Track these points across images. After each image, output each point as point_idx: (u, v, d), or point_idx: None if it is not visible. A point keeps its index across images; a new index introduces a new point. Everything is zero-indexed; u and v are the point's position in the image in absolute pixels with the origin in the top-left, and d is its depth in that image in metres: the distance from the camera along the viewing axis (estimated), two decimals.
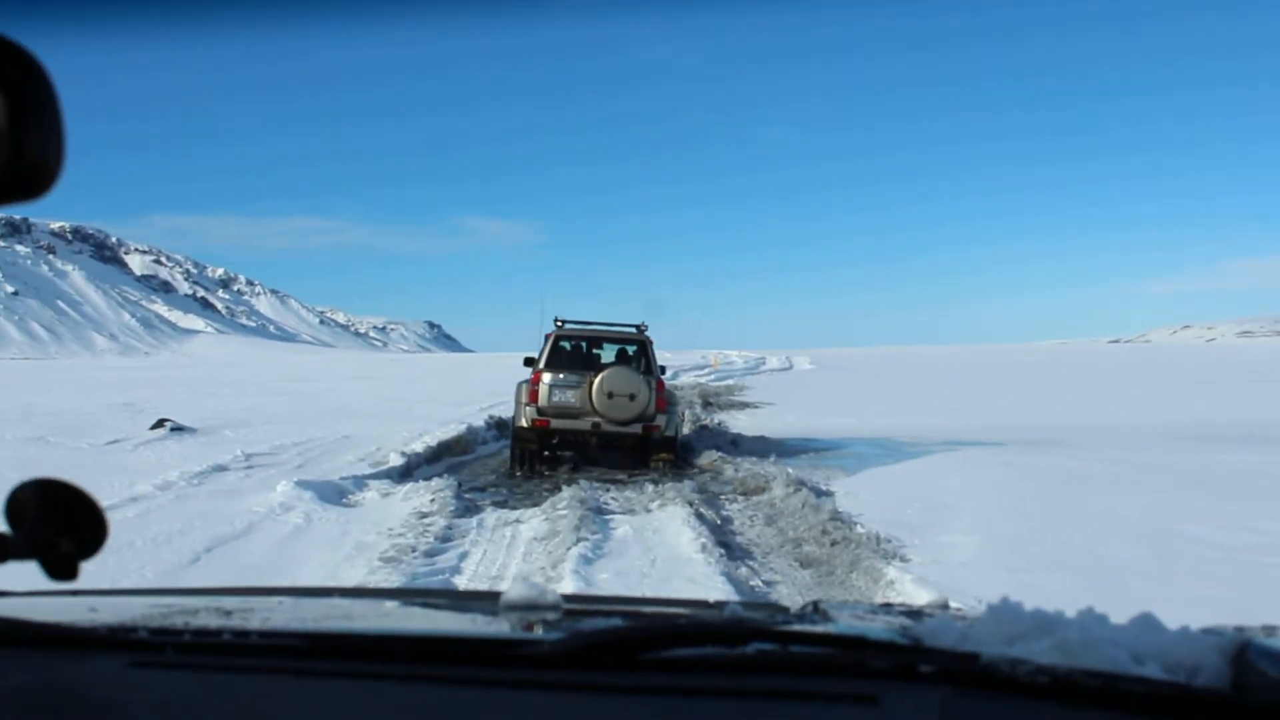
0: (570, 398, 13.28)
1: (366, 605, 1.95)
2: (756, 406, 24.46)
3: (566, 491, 9.95)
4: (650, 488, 10.61)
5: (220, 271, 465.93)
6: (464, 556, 7.37)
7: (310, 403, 23.52)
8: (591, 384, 13.22)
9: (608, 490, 10.79)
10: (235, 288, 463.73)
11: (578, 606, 1.69)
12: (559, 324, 14.29)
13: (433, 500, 9.36)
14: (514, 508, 9.78)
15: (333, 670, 1.31)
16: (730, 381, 37.12)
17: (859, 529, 7.99)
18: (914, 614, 1.61)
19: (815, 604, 1.66)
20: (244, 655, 1.38)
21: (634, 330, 14.42)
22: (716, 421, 18.82)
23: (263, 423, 17.84)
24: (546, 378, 13.40)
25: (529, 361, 13.98)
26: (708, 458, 13.54)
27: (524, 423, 13.33)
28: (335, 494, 9.92)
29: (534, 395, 13.39)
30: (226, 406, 21.83)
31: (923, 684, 1.21)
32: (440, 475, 11.77)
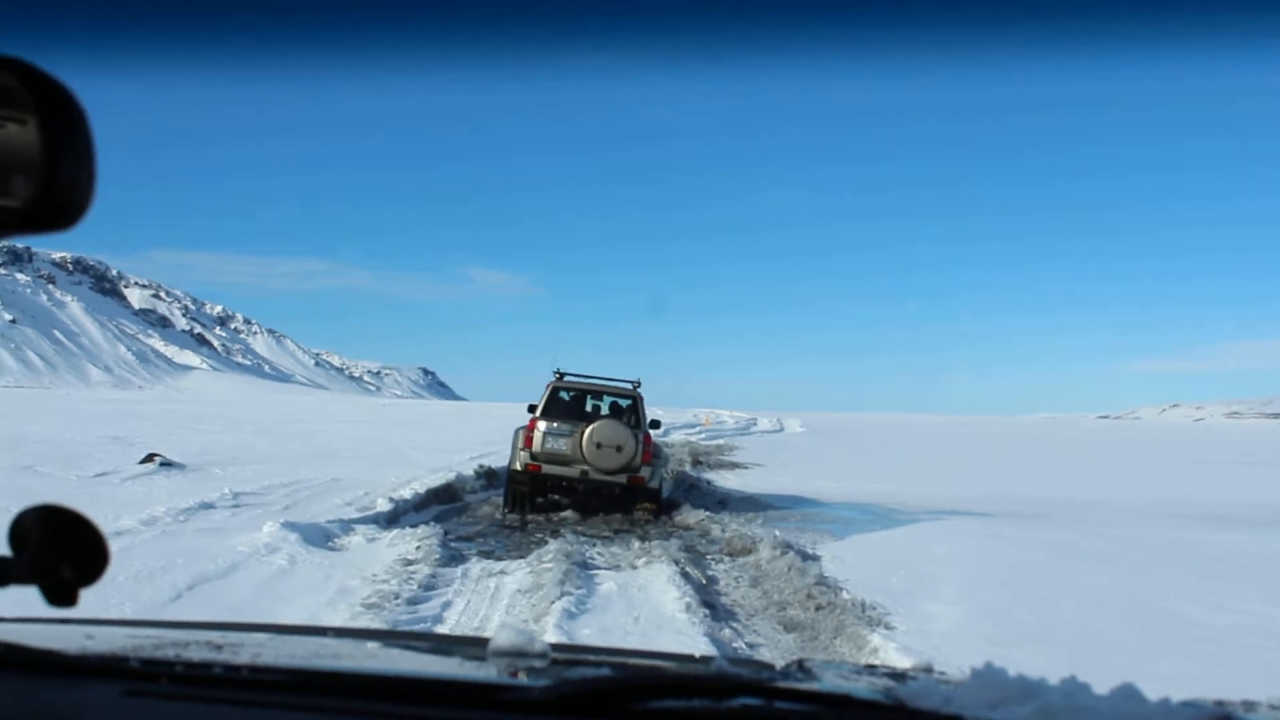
0: (562, 445, 13.87)
1: (354, 645, 1.96)
2: (746, 467, 24.37)
3: (553, 545, 9.89)
4: (637, 544, 10.55)
5: (219, 309, 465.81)
6: (447, 605, 7.30)
7: (301, 444, 23.50)
8: (583, 434, 13.78)
9: (594, 545, 10.73)
10: (233, 326, 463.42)
11: (565, 655, 1.69)
12: (558, 375, 14.83)
13: (418, 547, 9.29)
14: (499, 558, 9.70)
15: (320, 707, 1.32)
16: (721, 441, 37.07)
17: (844, 594, 7.93)
18: (898, 676, 1.62)
19: (800, 662, 1.67)
20: (235, 689, 1.39)
21: (629, 386, 14.97)
22: (706, 480, 18.71)
23: (252, 462, 17.79)
24: (542, 425, 14.02)
25: (532, 409, 14.47)
26: (695, 516, 13.49)
27: (518, 466, 13.95)
28: (321, 537, 9.84)
29: (529, 441, 13.99)
30: (217, 444, 21.79)
31: None
32: (427, 523, 11.70)
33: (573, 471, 13.95)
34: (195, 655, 1.53)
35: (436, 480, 15.54)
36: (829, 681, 1.58)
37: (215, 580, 7.54)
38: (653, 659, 2.00)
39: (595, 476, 13.89)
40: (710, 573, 9.39)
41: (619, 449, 13.81)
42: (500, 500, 14.74)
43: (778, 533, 11.01)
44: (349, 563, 8.73)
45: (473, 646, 1.81)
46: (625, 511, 13.88)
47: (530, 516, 13.37)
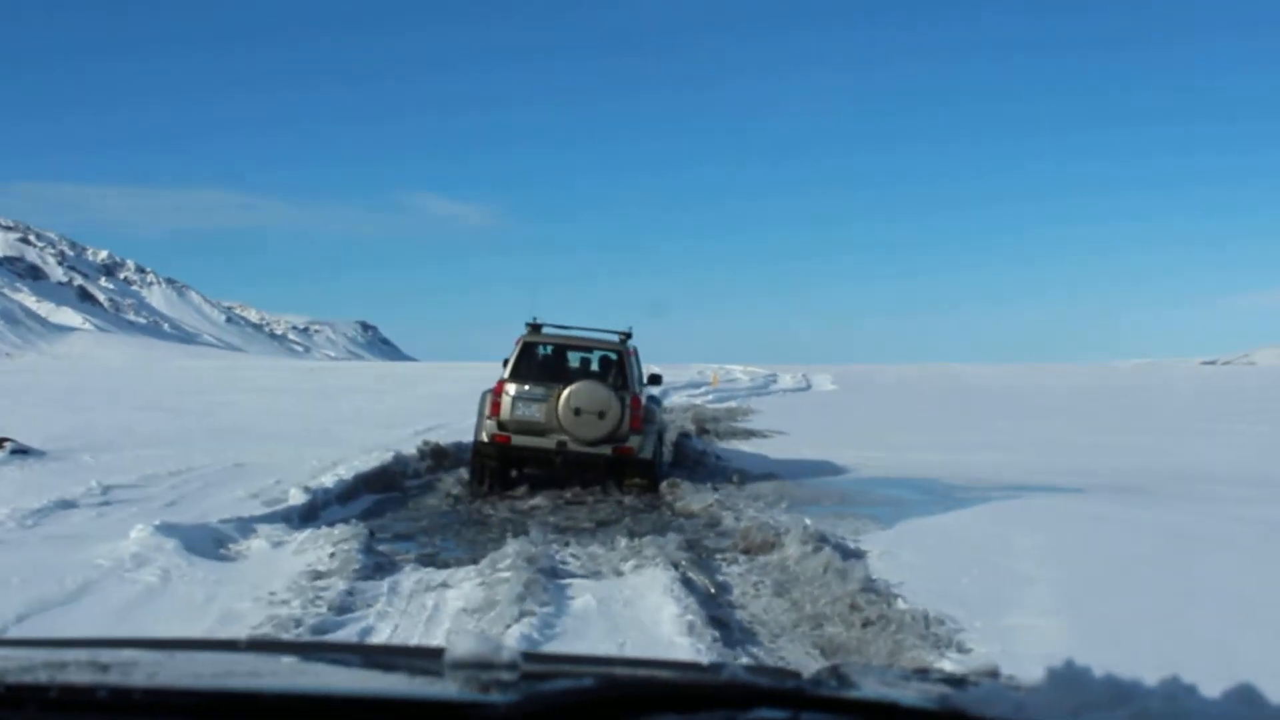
0: (535, 412, 14.46)
1: (276, 660, 2.02)
2: (765, 435, 24.11)
3: (514, 544, 9.46)
4: (624, 541, 10.14)
5: (103, 255, 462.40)
6: (366, 634, 6.82)
7: (201, 420, 23.11)
8: (559, 398, 14.33)
9: (567, 545, 10.33)
10: (122, 275, 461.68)
11: (539, 667, 1.75)
12: (531, 327, 15.31)
13: (333, 554, 8.91)
14: (442, 565, 9.34)
15: None
16: (732, 403, 36.83)
17: (900, 604, 7.58)
18: (955, 681, 1.67)
19: (835, 668, 1.75)
20: (126, 715, 1.44)
21: (615, 338, 15.49)
22: (714, 454, 18.36)
23: (135, 445, 17.37)
24: (511, 388, 14.60)
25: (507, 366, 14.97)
26: (700, 501, 13.26)
27: (484, 437, 14.60)
28: (209, 542, 9.49)
29: (495, 408, 14.61)
30: (93, 423, 21.32)
31: None
32: (352, 519, 11.39)
33: (548, 443, 14.42)
34: (76, 677, 1.58)
35: (369, 463, 15.28)
36: (870, 689, 1.63)
37: (57, 607, 7.11)
38: (647, 668, 2.08)
39: (575, 448, 14.36)
40: (721, 578, 9.06)
41: (601, 415, 14.26)
42: (451, 487, 14.60)
43: (808, 521, 10.70)
44: (241, 577, 8.38)
45: (425, 658, 1.89)
46: (615, 488, 14.52)
47: (487, 510, 13.11)
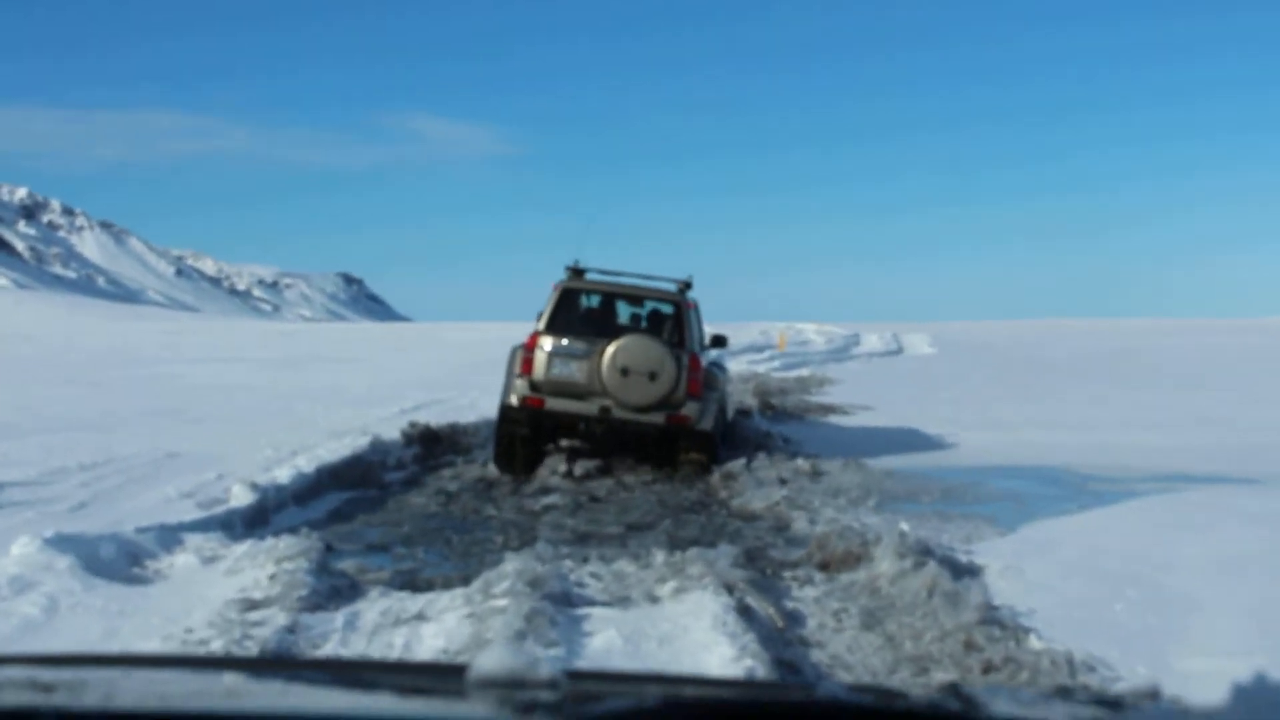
0: (575, 371, 14.92)
1: (266, 682, 2.11)
2: (846, 412, 23.72)
3: (514, 561, 8.98)
4: (661, 555, 9.63)
5: (21, 194, 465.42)
6: None
7: (132, 398, 22.90)
8: (603, 355, 14.75)
9: (585, 560, 9.86)
10: (45, 219, 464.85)
11: (586, 686, 1.85)
12: (572, 271, 15.84)
13: (273, 576, 8.53)
14: (421, 588, 8.98)
15: None
16: (804, 371, 36.48)
17: (1032, 642, 7.14)
18: (1110, 703, 1.79)
19: (954, 686, 1.87)
20: None
21: (671, 287, 16.09)
22: (781, 436, 17.92)
23: (42, 430, 17.11)
24: (546, 343, 15.05)
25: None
26: (764, 498, 13.00)
27: (513, 400, 15.06)
28: (119, 559, 9.15)
29: (527, 365, 15.06)
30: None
31: None
32: (306, 526, 11.04)
33: (589, 408, 14.90)
34: (13, 699, 1.69)
35: (339, 450, 15.11)
36: (1001, 711, 1.69)
37: None
38: (720, 687, 2.20)
39: (621, 415, 14.83)
40: (791, 604, 8.68)
41: (653, 377, 14.65)
42: (446, 481, 14.50)
43: (905, 526, 10.23)
44: (153, 606, 8.02)
45: (445, 677, 2.08)
46: (669, 463, 15.19)
47: (488, 510, 12.84)
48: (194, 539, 9.98)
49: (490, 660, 1.66)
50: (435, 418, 18.24)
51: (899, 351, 51.43)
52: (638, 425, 14.94)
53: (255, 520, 11.57)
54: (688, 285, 16.07)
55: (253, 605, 7.89)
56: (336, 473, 14.06)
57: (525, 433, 15.06)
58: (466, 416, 18.92)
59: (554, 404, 14.91)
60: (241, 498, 11.82)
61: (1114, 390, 30.65)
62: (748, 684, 2.41)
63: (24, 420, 18.14)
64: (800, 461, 15.55)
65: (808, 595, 8.98)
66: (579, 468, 14.99)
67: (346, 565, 9.46)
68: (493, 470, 15.16)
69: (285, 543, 9.40)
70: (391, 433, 16.60)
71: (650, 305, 16.37)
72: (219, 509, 11.38)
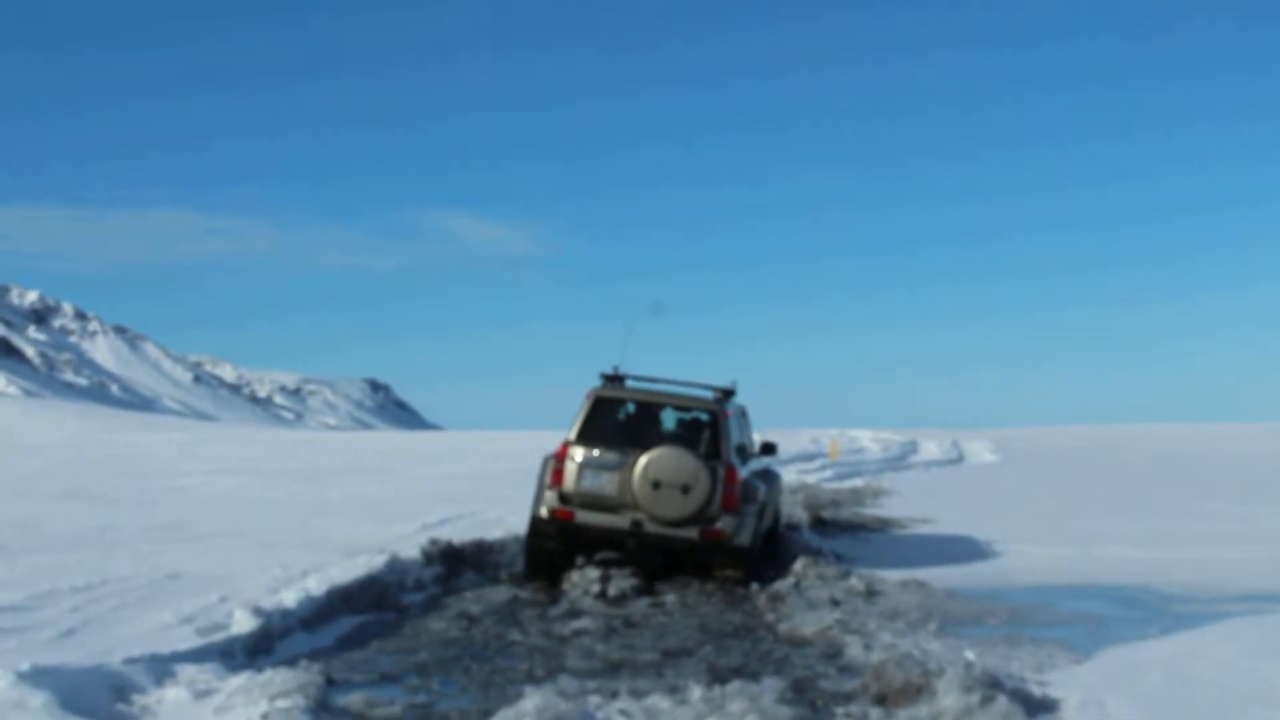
0: (606, 483, 15.29)
1: None
2: (903, 526, 23.25)
3: (533, 698, 8.68)
4: (698, 690, 9.26)
5: (32, 298, 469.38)
6: None
7: (136, 513, 22.64)
8: (634, 467, 15.09)
9: (614, 697, 9.51)
10: (56, 324, 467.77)
11: None
12: (607, 377, 16.32)
13: (265, 716, 8.28)
14: None
15: None
16: (858, 481, 35.91)
17: None
18: None
19: None
20: None
21: (708, 395, 16.38)
22: (833, 553, 17.54)
23: (36, 549, 16.88)
24: (577, 454, 15.45)
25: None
26: (814, 621, 12.73)
27: (543, 512, 15.47)
28: (103, 693, 8.98)
29: (558, 476, 15.48)
30: None
31: None
32: (313, 654, 10.91)
33: (621, 521, 15.24)
34: None
35: (353, 571, 14.72)
36: None
37: None
38: None
39: (653, 529, 15.13)
40: None
41: (685, 490, 14.93)
42: (469, 604, 14.21)
43: (970, 653, 9.89)
44: None
45: None
46: (704, 576, 15.44)
47: (512, 635, 12.56)
48: (187, 670, 9.78)
49: None
50: (459, 534, 17.89)
51: (959, 460, 50.84)
52: (671, 540, 15.14)
53: (258, 648, 11.30)
54: (728, 393, 16.39)
55: None
56: (349, 594, 13.76)
57: (555, 546, 15.36)
58: (493, 532, 18.57)
59: (584, 517, 15.17)
60: (243, 624, 11.53)
61: (1192, 500, 30.07)
62: None
63: (17, 538, 17.88)
64: (854, 580, 15.23)
65: None
66: (613, 588, 14.68)
67: (353, 700, 9.24)
68: (519, 590, 14.92)
69: (281, 676, 9.09)
70: (411, 550, 16.25)
71: (686, 414, 16.58)
72: (218, 636, 11.13)
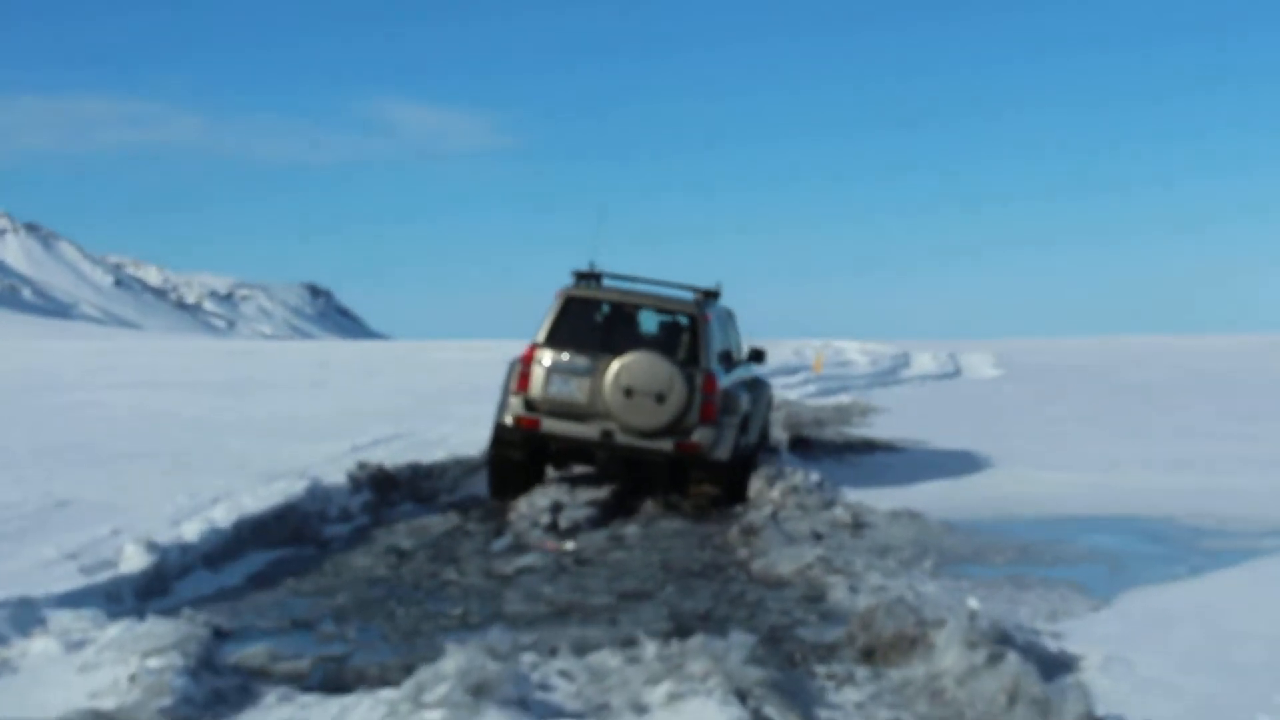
0: (575, 390, 15.47)
1: None
2: (895, 448, 22.79)
3: (456, 656, 8.06)
4: (652, 646, 8.67)
5: None
6: None
7: (33, 433, 22.00)
8: (605, 373, 15.24)
9: (553, 654, 8.93)
10: None
11: None
12: (579, 276, 16.49)
13: (133, 677, 7.73)
14: (335, 690, 8.25)
15: None
16: (844, 397, 35.63)
17: None
18: None
19: None
20: None
21: (688, 297, 16.63)
22: (815, 479, 17.00)
23: None
24: (545, 357, 15.60)
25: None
26: (794, 559, 12.24)
27: (507, 420, 15.65)
28: None
29: (524, 381, 15.63)
30: None
31: None
32: (215, 598, 10.61)
33: (590, 431, 15.39)
34: None
35: (268, 498, 14.23)
36: None
37: None
38: None
39: (624, 440, 15.30)
40: (826, 715, 7.88)
41: (660, 398, 15.05)
42: (400, 537, 13.83)
43: (974, 601, 9.44)
44: None
45: None
46: (679, 492, 15.72)
47: (448, 574, 12.14)
48: (61, 617, 9.29)
49: None
50: (394, 456, 17.56)
51: (956, 374, 50.66)
52: (643, 452, 15.33)
53: (150, 589, 10.83)
54: (710, 294, 16.64)
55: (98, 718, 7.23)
56: (263, 526, 13.27)
57: (520, 456, 15.60)
58: (433, 454, 18.11)
59: (551, 425, 15.39)
60: (134, 561, 11.02)
61: (1218, 422, 29.70)
62: None
63: None
64: (839, 511, 14.88)
65: (848, 700, 8.17)
66: (565, 519, 14.30)
67: (251, 653, 8.83)
68: (459, 521, 14.56)
69: (160, 629, 8.54)
70: (337, 475, 15.75)
71: (665, 317, 16.68)
72: (105, 575, 10.68)
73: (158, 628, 8.57)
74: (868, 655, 8.96)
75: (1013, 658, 7.87)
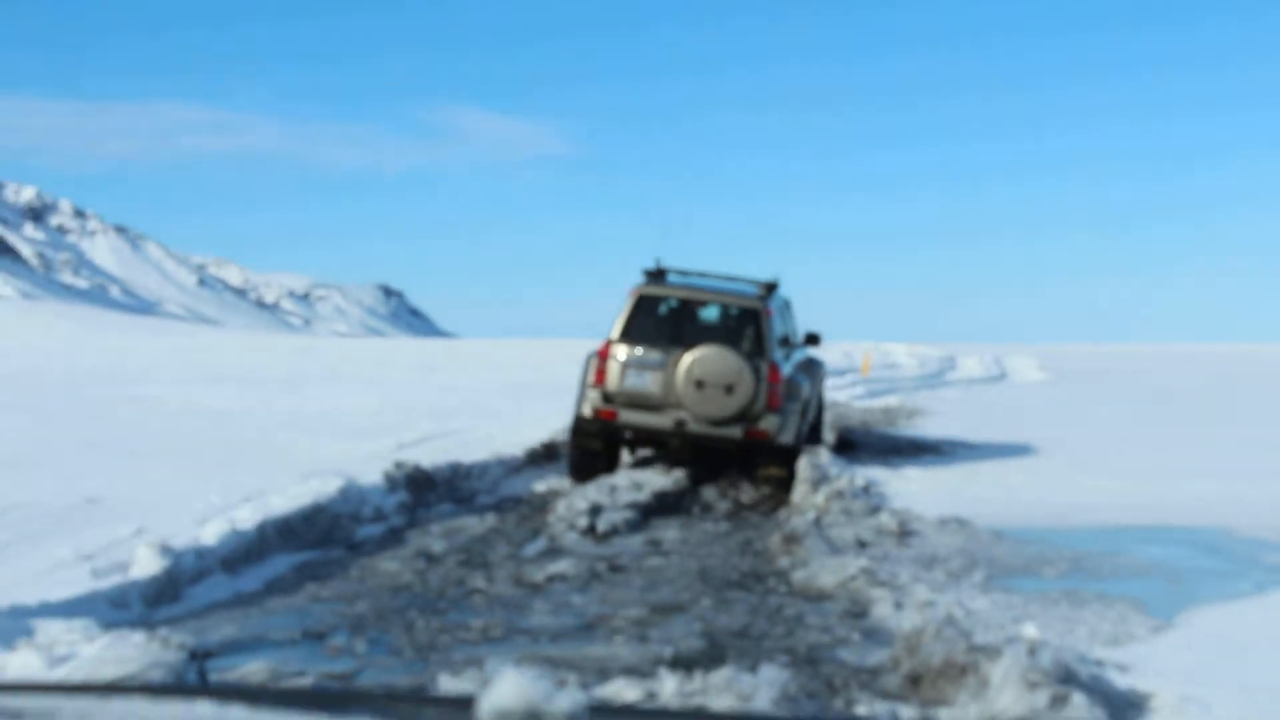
0: (649, 383, 15.96)
1: (265, 712, 2.22)
2: (940, 452, 21.62)
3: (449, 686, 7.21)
4: (671, 683, 7.64)
5: (29, 194, 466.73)
6: None
7: (79, 426, 21.33)
8: (676, 367, 15.74)
9: (560, 687, 7.84)
10: (54, 222, 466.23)
11: None
12: (649, 274, 16.88)
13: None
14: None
15: None
16: (891, 399, 34.62)
17: None
18: None
19: None
20: None
21: (752, 291, 17.08)
22: (861, 483, 16.06)
23: None
24: (620, 352, 16.12)
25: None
26: (835, 571, 11.32)
27: (586, 411, 16.18)
28: None
29: (600, 375, 16.13)
30: None
31: None
32: (230, 604, 9.97)
33: (664, 421, 15.90)
34: None
35: (299, 498, 13.44)
36: None
37: None
38: None
39: (696, 429, 15.80)
40: None
41: (729, 389, 15.56)
42: (431, 541, 12.99)
43: (1032, 629, 8.38)
44: None
45: (453, 709, 2.16)
46: (746, 477, 16.35)
47: (475, 581, 11.30)
48: (51, 628, 8.42)
49: (504, 692, 1.76)
50: (436, 454, 16.77)
51: (1002, 377, 49.51)
52: (714, 439, 15.86)
53: (161, 595, 10.08)
54: (771, 288, 17.05)
55: None
56: (290, 528, 12.51)
57: (598, 445, 16.13)
58: (475, 454, 17.26)
59: (627, 416, 15.92)
60: (146, 565, 10.24)
61: (1273, 430, 28.48)
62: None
63: None
64: (884, 517, 13.83)
65: None
66: (603, 522, 13.40)
67: (249, 670, 8.09)
68: (492, 521, 13.88)
69: (128, 650, 7.62)
70: (372, 475, 14.87)
71: (729, 311, 16.98)
72: (112, 580, 9.92)
73: (127, 649, 7.68)
74: (914, 683, 8.02)
75: (1078, 700, 6.87)
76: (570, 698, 1.75)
